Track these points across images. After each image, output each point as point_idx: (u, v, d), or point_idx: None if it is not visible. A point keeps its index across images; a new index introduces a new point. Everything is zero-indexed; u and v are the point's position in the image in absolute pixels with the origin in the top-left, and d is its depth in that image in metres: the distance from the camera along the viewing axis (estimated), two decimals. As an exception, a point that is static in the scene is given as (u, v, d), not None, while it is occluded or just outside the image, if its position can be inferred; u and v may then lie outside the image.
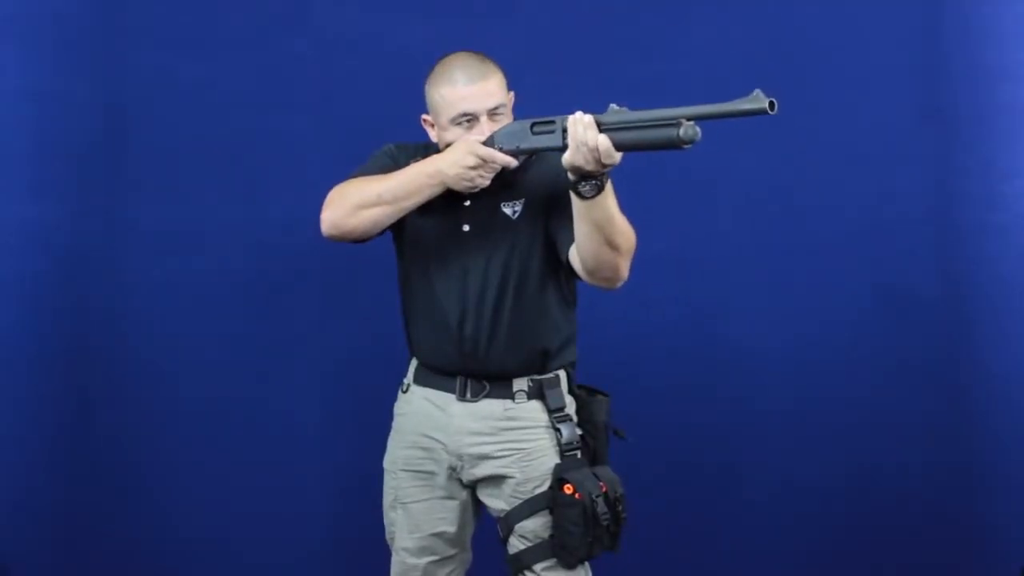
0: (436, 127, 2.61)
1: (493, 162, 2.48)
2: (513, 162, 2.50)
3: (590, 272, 2.50)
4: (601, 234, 2.40)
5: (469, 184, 2.50)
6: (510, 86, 2.61)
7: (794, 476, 3.66)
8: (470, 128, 2.54)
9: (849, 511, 3.67)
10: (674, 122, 2.24)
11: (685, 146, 2.24)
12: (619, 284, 2.52)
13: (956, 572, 3.65)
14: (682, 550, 3.65)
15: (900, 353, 3.65)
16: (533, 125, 2.47)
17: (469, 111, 2.53)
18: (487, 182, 2.51)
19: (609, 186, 2.38)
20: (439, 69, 2.58)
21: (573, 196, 2.38)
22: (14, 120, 3.54)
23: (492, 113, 2.54)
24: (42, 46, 3.56)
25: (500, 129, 2.52)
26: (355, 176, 2.64)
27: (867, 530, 3.67)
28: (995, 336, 3.65)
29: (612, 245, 2.42)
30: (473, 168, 2.48)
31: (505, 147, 2.49)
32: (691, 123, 2.23)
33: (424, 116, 2.64)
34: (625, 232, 2.45)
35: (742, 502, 3.67)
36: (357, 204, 2.55)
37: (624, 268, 2.49)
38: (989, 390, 3.65)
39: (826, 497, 3.66)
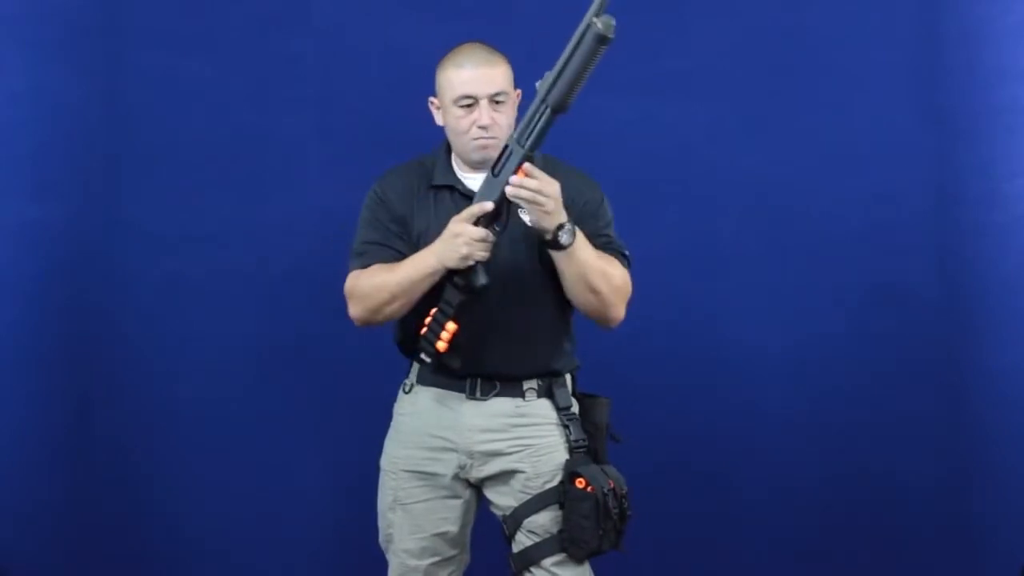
0: (441, 108, 2.64)
1: (473, 217, 2.49)
2: (488, 206, 2.49)
3: (583, 315, 2.62)
4: (581, 283, 2.53)
5: (461, 257, 2.50)
6: (516, 85, 2.63)
7: (793, 476, 3.66)
8: (470, 111, 2.58)
9: (849, 511, 3.67)
10: (588, 26, 2.31)
11: (611, 37, 2.31)
12: (614, 325, 2.62)
13: (956, 572, 3.65)
14: (682, 549, 3.65)
15: (900, 353, 3.65)
16: (492, 169, 2.51)
17: (470, 93, 2.57)
18: (485, 255, 2.51)
19: (581, 238, 2.50)
20: (450, 54, 2.63)
21: (553, 253, 2.50)
22: (14, 120, 3.54)
23: (493, 99, 2.58)
24: (42, 46, 3.56)
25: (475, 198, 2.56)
26: (355, 250, 2.67)
27: (866, 529, 3.67)
28: (995, 336, 3.65)
29: (593, 291, 2.54)
30: (457, 236, 2.49)
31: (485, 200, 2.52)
32: (602, 18, 2.30)
33: (431, 98, 2.66)
34: (607, 276, 2.55)
35: (742, 502, 3.67)
36: (378, 303, 2.60)
37: (613, 311, 2.59)
38: (989, 390, 3.65)
39: (825, 497, 3.67)
